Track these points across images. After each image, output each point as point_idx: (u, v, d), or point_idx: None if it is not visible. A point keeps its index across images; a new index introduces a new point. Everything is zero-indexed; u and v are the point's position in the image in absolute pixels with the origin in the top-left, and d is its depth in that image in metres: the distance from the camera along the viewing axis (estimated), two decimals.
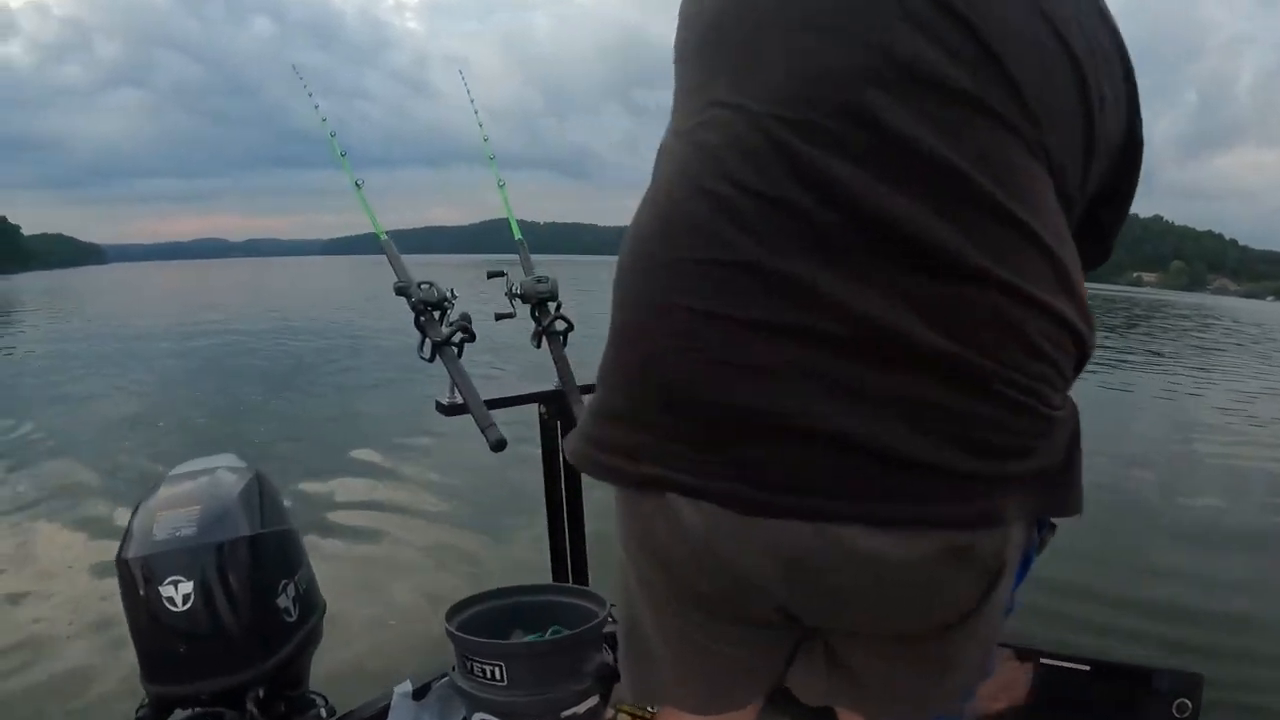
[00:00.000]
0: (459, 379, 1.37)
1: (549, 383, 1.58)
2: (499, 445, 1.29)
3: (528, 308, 1.59)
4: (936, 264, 0.61)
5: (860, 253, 0.61)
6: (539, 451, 1.66)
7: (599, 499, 1.83)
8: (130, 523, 1.34)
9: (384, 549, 3.88)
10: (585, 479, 1.61)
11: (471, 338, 1.39)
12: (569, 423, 1.54)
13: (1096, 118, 0.68)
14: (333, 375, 9.57)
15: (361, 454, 5.57)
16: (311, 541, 1.98)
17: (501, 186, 1.83)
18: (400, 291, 1.45)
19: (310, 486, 4.73)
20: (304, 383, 9.05)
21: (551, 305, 1.60)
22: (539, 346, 1.57)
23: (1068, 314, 0.64)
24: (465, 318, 1.44)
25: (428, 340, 1.39)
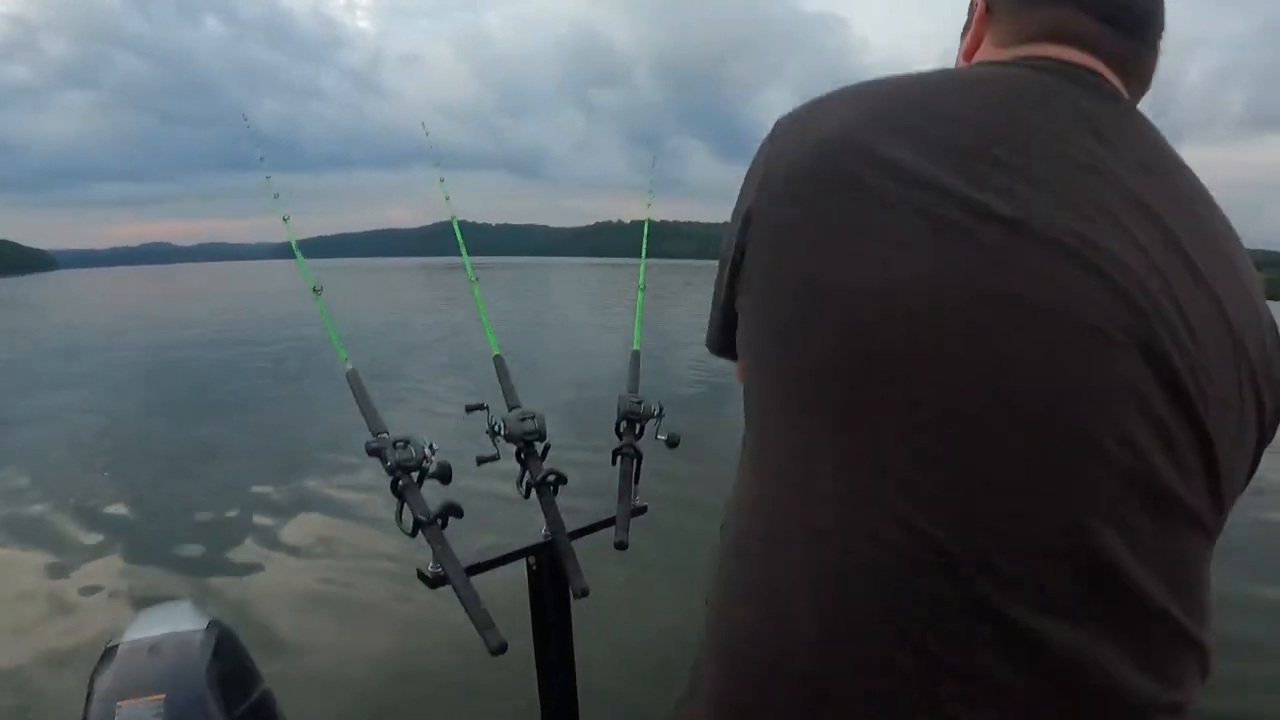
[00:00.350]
0: (445, 561, 1.24)
1: (534, 528, 1.47)
2: (500, 649, 1.17)
3: (512, 448, 1.48)
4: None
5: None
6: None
7: (590, 654, 1.72)
8: (86, 710, 1.18)
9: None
10: (576, 630, 1.51)
11: (459, 515, 1.26)
12: (559, 576, 1.43)
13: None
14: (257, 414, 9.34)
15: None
16: None
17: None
18: (374, 452, 1.32)
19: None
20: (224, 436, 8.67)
21: (539, 445, 1.48)
22: (527, 497, 1.45)
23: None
24: (445, 469, 1.32)
25: (407, 510, 1.27)
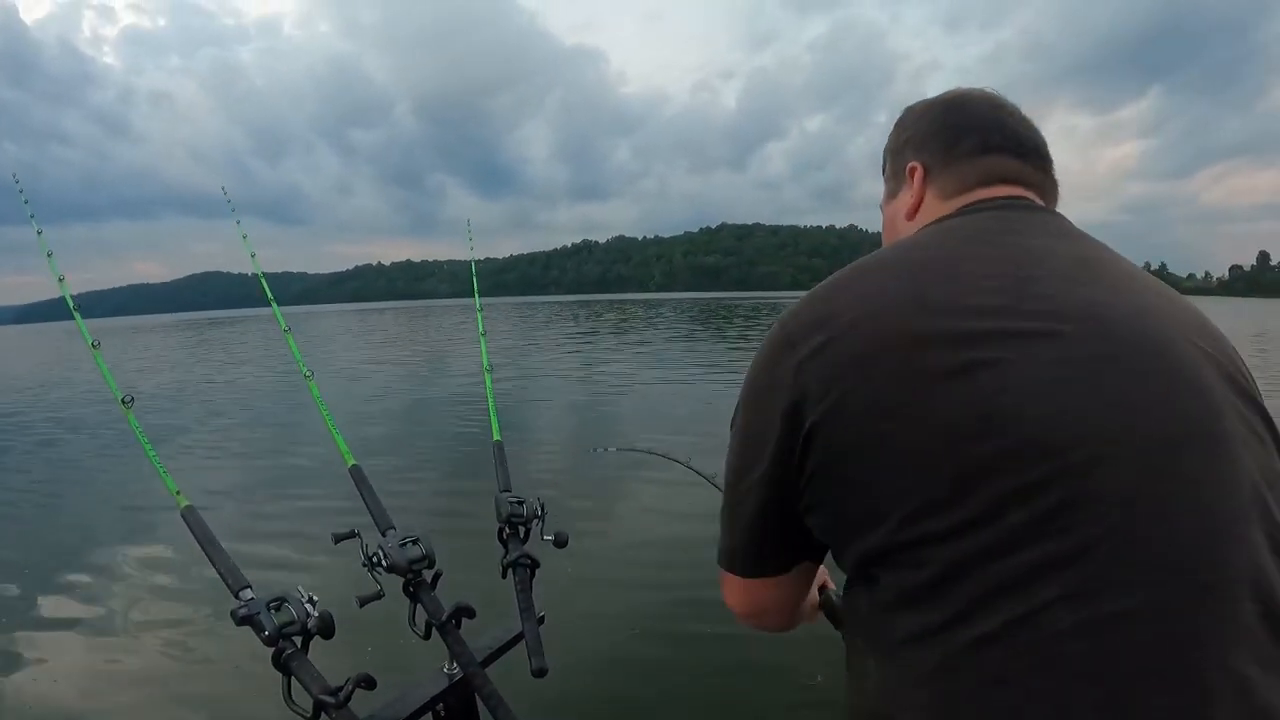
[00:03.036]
0: None
1: (433, 669, 1.29)
2: None
3: (398, 580, 1.29)
4: None
5: None
6: None
7: None
8: None
9: None
10: None
11: (370, 686, 1.07)
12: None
13: None
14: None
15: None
16: None
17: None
18: (244, 621, 1.09)
19: None
20: None
21: (428, 573, 1.31)
22: (427, 638, 1.27)
23: None
24: (328, 624, 1.12)
25: (298, 688, 1.05)
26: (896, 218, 1.01)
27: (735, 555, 0.89)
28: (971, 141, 0.94)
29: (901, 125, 1.05)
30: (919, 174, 0.97)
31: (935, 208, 0.94)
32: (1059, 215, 0.89)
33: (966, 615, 0.65)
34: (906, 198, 0.99)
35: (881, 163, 1.10)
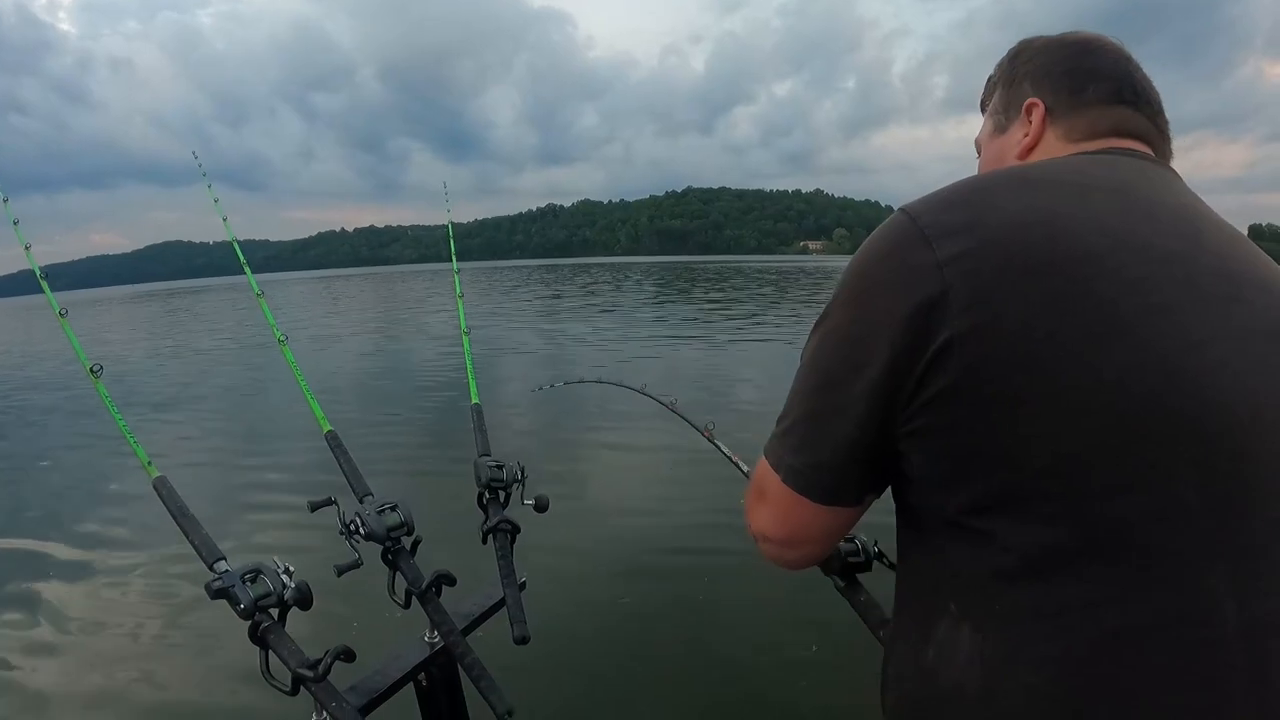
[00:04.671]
0: (338, 715, 1.02)
1: (415, 638, 1.26)
2: None
3: (376, 547, 1.26)
4: None
5: None
6: None
7: None
8: None
9: None
10: None
11: (350, 658, 1.04)
12: (455, 693, 1.24)
13: None
14: None
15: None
16: None
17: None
18: (219, 594, 1.05)
19: None
20: None
21: (407, 540, 1.28)
22: (407, 607, 1.25)
23: None
24: (305, 594, 1.08)
25: (276, 662, 1.02)
26: (1005, 154, 0.92)
27: (814, 475, 0.77)
28: (1104, 89, 0.86)
29: (1019, 57, 0.95)
30: (1040, 112, 0.89)
31: (1057, 150, 0.86)
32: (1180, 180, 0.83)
33: (1115, 596, 0.59)
34: (1019, 135, 0.91)
35: (984, 96, 1.01)
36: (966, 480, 0.65)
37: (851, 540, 1.27)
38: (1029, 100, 0.90)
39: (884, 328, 0.67)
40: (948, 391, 0.64)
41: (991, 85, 0.99)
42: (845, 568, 1.26)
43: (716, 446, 1.71)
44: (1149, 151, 0.83)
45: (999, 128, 0.95)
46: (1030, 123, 0.89)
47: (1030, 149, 0.89)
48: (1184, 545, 0.59)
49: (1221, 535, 0.59)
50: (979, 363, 0.62)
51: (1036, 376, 0.60)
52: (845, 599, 1.27)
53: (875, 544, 1.26)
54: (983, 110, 1.01)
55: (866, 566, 1.26)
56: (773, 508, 0.82)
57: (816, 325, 0.76)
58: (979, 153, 1.01)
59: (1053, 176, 0.73)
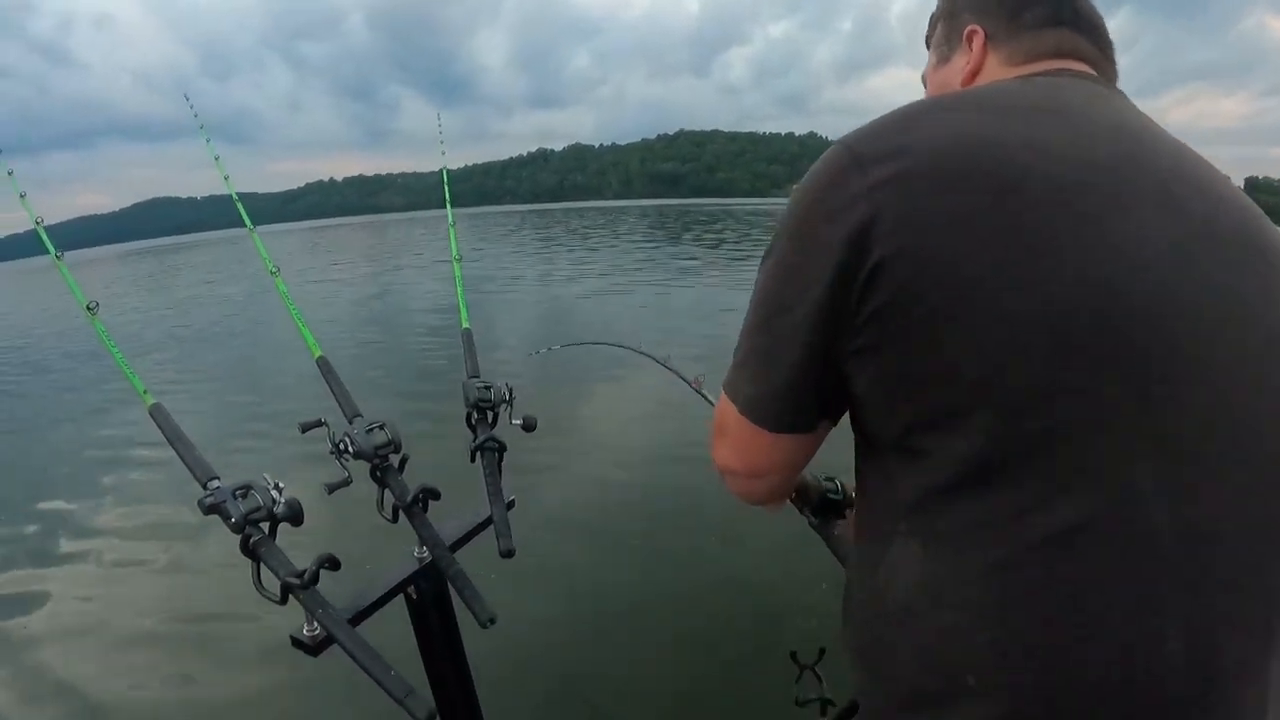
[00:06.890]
0: (328, 622, 1.04)
1: (405, 554, 1.29)
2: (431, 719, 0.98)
3: (365, 466, 1.28)
4: None
5: None
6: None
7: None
8: None
9: None
10: (474, 662, 1.35)
11: (335, 567, 1.06)
12: (444, 603, 1.27)
13: None
14: None
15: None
16: None
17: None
18: (212, 509, 1.07)
19: None
20: None
21: (395, 458, 1.30)
22: (395, 521, 1.27)
23: None
24: (295, 510, 1.10)
25: (267, 573, 1.04)
26: (949, 84, 0.93)
27: (767, 403, 0.78)
28: (1042, 11, 0.86)
29: None
30: (980, 38, 0.89)
31: (999, 75, 0.87)
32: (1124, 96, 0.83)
33: (1044, 501, 0.60)
34: (961, 63, 0.91)
35: (928, 32, 1.01)
36: (906, 400, 0.67)
37: (832, 480, 1.29)
38: (969, 28, 0.90)
39: (823, 255, 0.68)
40: (883, 311, 0.65)
41: (934, 21, 0.99)
42: (823, 505, 1.28)
43: (704, 397, 1.70)
44: (1090, 71, 0.83)
45: (942, 59, 0.96)
46: (971, 50, 0.90)
47: (973, 76, 0.90)
48: (1108, 446, 0.59)
49: (1145, 436, 0.60)
50: (907, 281, 0.63)
51: (962, 292, 0.62)
52: (819, 535, 1.29)
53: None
54: (928, 46, 1.01)
55: (847, 505, 1.28)
56: (733, 440, 0.84)
57: (764, 259, 0.77)
58: (925, 87, 1.01)
59: (983, 98, 0.75)
